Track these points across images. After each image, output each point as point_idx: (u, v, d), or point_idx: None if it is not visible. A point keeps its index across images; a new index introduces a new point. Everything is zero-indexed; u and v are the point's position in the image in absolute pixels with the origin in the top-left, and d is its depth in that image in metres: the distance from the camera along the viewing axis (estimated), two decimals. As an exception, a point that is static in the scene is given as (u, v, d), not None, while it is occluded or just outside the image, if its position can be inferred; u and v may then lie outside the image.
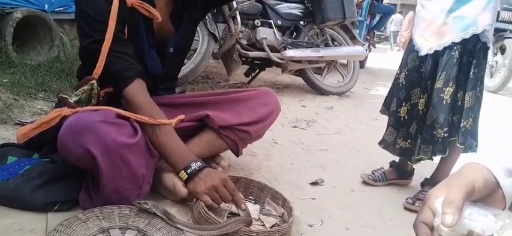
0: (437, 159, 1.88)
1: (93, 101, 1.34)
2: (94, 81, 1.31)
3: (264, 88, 1.75)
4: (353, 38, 4.36)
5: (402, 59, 1.85)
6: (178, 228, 1.14)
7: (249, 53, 3.55)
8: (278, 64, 3.79)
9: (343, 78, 4.28)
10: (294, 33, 4.02)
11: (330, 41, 4.08)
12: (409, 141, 1.83)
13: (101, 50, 1.27)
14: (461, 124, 1.63)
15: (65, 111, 1.26)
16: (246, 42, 3.60)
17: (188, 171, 1.31)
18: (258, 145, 2.12)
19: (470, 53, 1.61)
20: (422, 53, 1.71)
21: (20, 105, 2.13)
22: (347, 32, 4.33)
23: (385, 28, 14.68)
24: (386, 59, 10.03)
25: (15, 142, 1.38)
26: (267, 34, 3.60)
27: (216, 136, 1.58)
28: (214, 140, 1.59)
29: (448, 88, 1.63)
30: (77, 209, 1.21)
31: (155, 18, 1.40)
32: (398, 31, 13.79)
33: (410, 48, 1.80)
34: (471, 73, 1.61)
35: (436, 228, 0.62)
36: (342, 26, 4.24)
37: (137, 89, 1.35)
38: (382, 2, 7.87)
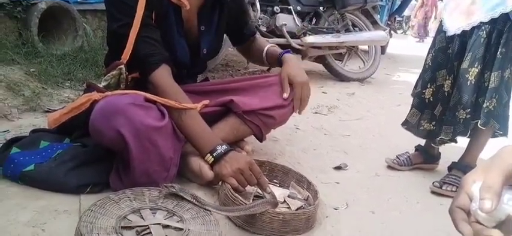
0: (462, 142, 1.85)
1: (121, 86, 1.37)
2: (122, 66, 1.33)
3: None
4: (374, 23, 4.30)
5: (432, 41, 1.81)
6: (206, 209, 1.15)
7: (268, 39, 3.52)
8: (298, 51, 3.75)
9: (364, 63, 4.22)
10: (314, 19, 3.98)
11: (351, 27, 4.02)
12: (433, 123, 1.80)
13: (129, 34, 1.29)
14: (484, 105, 1.59)
15: (95, 95, 1.30)
16: (265, 29, 3.58)
17: (214, 154, 1.32)
18: (280, 131, 2.13)
19: (499, 33, 1.56)
20: (450, 33, 1.67)
21: (48, 93, 2.18)
22: (368, 16, 4.26)
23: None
24: (407, 45, 9.83)
25: (47, 127, 1.43)
26: (286, 20, 3.57)
27: (240, 122, 1.59)
28: (238, 125, 1.60)
29: (473, 68, 1.59)
30: (108, 191, 1.25)
31: (183, 5, 1.41)
32: (410, 16, 13.43)
33: (438, 29, 1.76)
34: (499, 52, 1.56)
35: (473, 213, 0.62)
36: (362, 10, 4.18)
37: (163, 74, 1.36)
38: (403, -14, 7.66)
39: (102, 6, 3.31)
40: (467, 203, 0.63)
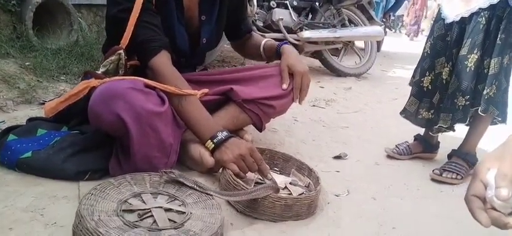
0: (460, 131, 1.85)
1: (120, 72, 1.36)
2: (121, 51, 1.32)
3: None
4: (370, 18, 4.30)
5: (430, 29, 1.82)
6: (208, 194, 1.14)
7: (265, 34, 3.51)
8: (295, 46, 3.73)
9: (361, 59, 4.22)
10: (310, 14, 3.98)
11: (347, 22, 4.02)
12: (432, 111, 1.80)
13: (129, 19, 1.27)
14: (484, 92, 1.59)
15: (93, 82, 1.28)
16: (262, 24, 3.58)
17: (214, 140, 1.31)
18: (279, 122, 2.13)
19: (499, 19, 1.56)
20: (449, 20, 1.67)
21: (44, 86, 2.16)
22: (364, 12, 4.27)
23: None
24: (401, 43, 9.88)
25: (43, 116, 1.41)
26: (283, 15, 3.56)
27: (239, 110, 1.58)
28: (238, 114, 1.59)
29: (472, 55, 1.59)
30: (107, 177, 1.22)
31: None
32: (403, 15, 13.61)
33: (437, 17, 1.76)
34: (498, 39, 1.56)
35: (489, 200, 0.62)
36: (358, 6, 4.18)
37: (163, 60, 1.35)
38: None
39: (98, 1, 3.30)
40: (482, 191, 0.64)
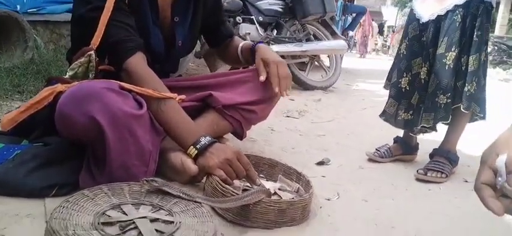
0: (441, 129, 1.86)
1: (90, 75, 1.23)
2: (92, 52, 1.19)
3: None
4: (333, 33, 4.38)
5: (403, 31, 1.83)
6: (196, 201, 1.03)
7: (232, 49, 3.46)
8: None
9: (327, 73, 4.27)
10: (275, 30, 3.99)
11: (312, 37, 4.07)
12: (411, 112, 1.80)
13: (100, 18, 1.16)
14: (465, 89, 1.60)
15: (60, 87, 1.15)
16: (229, 39, 3.52)
17: (198, 146, 1.20)
18: (256, 132, 2.05)
19: (473, 17, 1.60)
20: (424, 19, 1.69)
21: (-3, 104, 1.96)
22: (327, 27, 4.34)
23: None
24: (354, 60, 10.24)
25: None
26: (249, 29, 3.54)
27: (219, 117, 1.49)
28: (217, 120, 1.50)
29: (450, 52, 1.60)
30: (76, 192, 1.08)
31: None
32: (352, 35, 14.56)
33: (410, 18, 1.78)
34: (475, 35, 1.59)
35: (500, 187, 0.60)
36: (322, 21, 4.25)
37: (139, 61, 1.24)
38: (353, 3, 8.01)
39: (54, 18, 3.11)
40: (492, 178, 0.61)
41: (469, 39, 1.60)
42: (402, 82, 1.79)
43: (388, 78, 1.92)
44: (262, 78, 1.47)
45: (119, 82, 1.14)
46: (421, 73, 1.72)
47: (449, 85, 1.60)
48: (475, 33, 1.59)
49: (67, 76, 1.22)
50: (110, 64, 1.30)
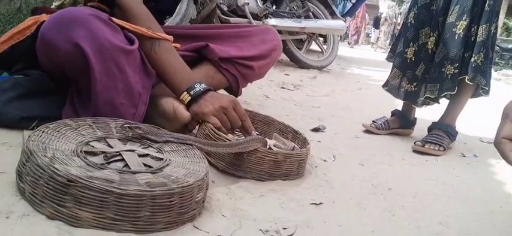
0: (434, 109, 1.82)
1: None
2: (81, -21, 1.10)
3: (265, 26, 1.61)
4: (332, 14, 4.29)
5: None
6: (187, 143, 0.96)
7: (229, 18, 3.36)
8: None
9: (323, 52, 4.21)
10: (274, 4, 3.89)
11: (311, 14, 3.99)
12: (414, 84, 1.74)
13: None
14: (472, 59, 1.55)
15: (44, 16, 1.07)
16: (226, 8, 3.42)
17: (191, 92, 1.13)
18: (250, 97, 1.99)
19: None
20: (436, -13, 1.62)
21: (-22, 47, 1.84)
22: (327, 7, 4.25)
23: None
24: (346, 49, 10.22)
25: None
26: (248, 0, 3.43)
27: (215, 70, 1.41)
28: (213, 74, 1.41)
29: (461, 22, 1.54)
30: (60, 127, 1.00)
31: None
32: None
33: (420, -14, 1.71)
34: (486, 5, 1.53)
35: None
36: (321, 0, 4.17)
37: (133, -4, 1.15)
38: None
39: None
40: None
41: (480, 8, 1.54)
42: (408, 52, 1.73)
43: (392, 50, 1.86)
44: None
45: (108, 15, 1.06)
46: (429, 43, 1.66)
47: (458, 55, 1.55)
48: (487, 2, 1.53)
49: (53, 6, 1.13)
50: (102, 2, 1.21)
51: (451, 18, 1.57)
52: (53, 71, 1.05)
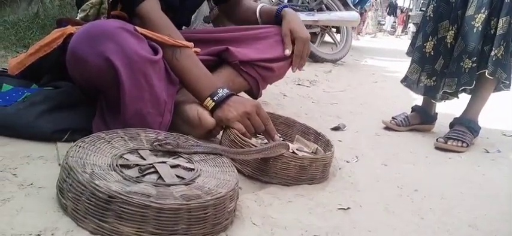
0: (456, 104, 1.80)
1: (102, 18, 1.16)
2: (105, -10, 1.12)
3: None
4: (345, 4, 4.24)
5: None
6: (216, 153, 0.98)
7: (242, 15, 3.36)
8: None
9: (337, 45, 4.18)
10: (287, -3, 3.88)
11: (324, 6, 3.96)
12: (434, 78, 1.73)
13: None
14: (492, 53, 1.53)
15: (70, 29, 1.09)
16: (239, 4, 3.41)
17: (215, 98, 1.14)
18: (268, 97, 2.00)
19: None
20: (455, -21, 1.60)
21: (2, 54, 1.89)
22: (340, -3, 4.22)
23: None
24: (365, 40, 10.10)
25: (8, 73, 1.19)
26: (261, -5, 3.42)
27: (235, 73, 1.42)
28: (233, 77, 1.43)
29: (479, 14, 1.52)
30: (90, 138, 1.03)
31: None
32: None
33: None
34: None
35: None
36: (334, -9, 4.13)
37: (154, 6, 1.17)
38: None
39: (60, -27, 3.00)
40: None
41: (500, 1, 1.51)
42: (427, 47, 1.71)
43: (412, 43, 1.84)
44: (288, 52, 1.41)
45: (133, 26, 1.07)
46: (448, 36, 1.64)
47: (476, 49, 1.53)
48: (508, -6, 1.50)
49: (78, 18, 1.15)
50: (123, 11, 1.23)
51: (469, 11, 1.54)
52: (83, 84, 1.07)
